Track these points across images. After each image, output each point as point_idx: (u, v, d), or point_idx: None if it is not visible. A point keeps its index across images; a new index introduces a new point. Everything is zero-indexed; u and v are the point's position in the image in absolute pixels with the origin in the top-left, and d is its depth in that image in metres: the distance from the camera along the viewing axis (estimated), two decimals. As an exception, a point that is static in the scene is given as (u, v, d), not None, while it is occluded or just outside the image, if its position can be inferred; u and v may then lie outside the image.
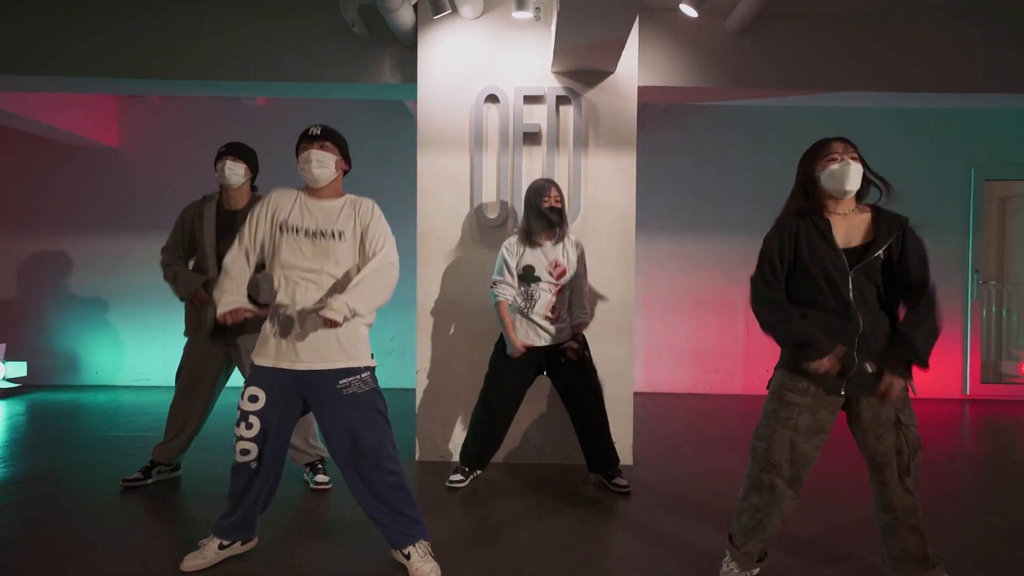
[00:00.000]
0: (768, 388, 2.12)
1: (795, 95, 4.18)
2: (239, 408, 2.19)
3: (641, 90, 3.90)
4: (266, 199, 2.31)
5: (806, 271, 2.01)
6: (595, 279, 3.64)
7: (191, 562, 2.22)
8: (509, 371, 3.13)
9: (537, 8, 3.55)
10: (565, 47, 3.31)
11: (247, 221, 2.28)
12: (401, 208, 5.67)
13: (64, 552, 2.44)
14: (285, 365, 2.17)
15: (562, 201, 3.17)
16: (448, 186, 3.70)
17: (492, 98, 3.68)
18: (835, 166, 2.02)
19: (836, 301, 1.98)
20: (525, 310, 3.10)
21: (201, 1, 3.94)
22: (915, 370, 1.95)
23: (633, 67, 3.67)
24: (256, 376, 2.19)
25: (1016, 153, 5.66)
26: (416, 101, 3.82)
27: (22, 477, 3.33)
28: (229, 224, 3.00)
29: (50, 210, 5.92)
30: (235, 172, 3.03)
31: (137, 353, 5.94)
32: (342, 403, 2.17)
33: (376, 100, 5.73)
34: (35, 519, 2.76)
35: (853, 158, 2.04)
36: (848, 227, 2.06)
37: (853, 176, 2.02)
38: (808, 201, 2.07)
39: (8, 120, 4.99)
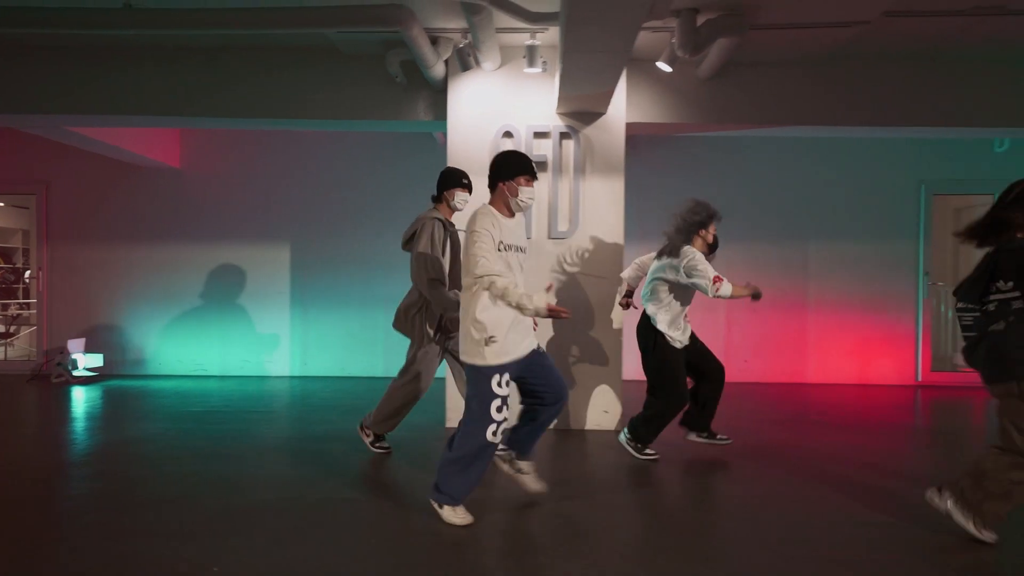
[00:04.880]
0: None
1: (759, 128, 5.03)
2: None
3: (629, 126, 4.76)
4: (482, 219, 2.75)
5: None
6: (588, 281, 4.50)
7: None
8: (679, 360, 3.66)
9: (544, 62, 4.41)
10: (567, 95, 4.17)
11: (486, 240, 2.68)
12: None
13: (139, 504, 3.30)
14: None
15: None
16: (471, 204, 4.55)
17: (508, 134, 4.55)
18: None
19: None
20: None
21: (268, 53, 4.83)
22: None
23: (621, 108, 4.53)
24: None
25: (961, 172, 6.48)
26: (442, 133, 4.69)
27: (104, 444, 4.22)
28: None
29: (120, 222, 6.83)
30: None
31: (196, 347, 6.82)
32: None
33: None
34: (114, 474, 3.64)
35: None
36: None
37: None
38: None
39: (85, 143, 5.88)
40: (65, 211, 6.84)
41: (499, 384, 2.73)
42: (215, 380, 6.52)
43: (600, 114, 4.51)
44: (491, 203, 2.85)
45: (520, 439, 3.04)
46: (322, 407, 5.29)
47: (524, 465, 3.07)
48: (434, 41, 4.33)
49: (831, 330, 6.53)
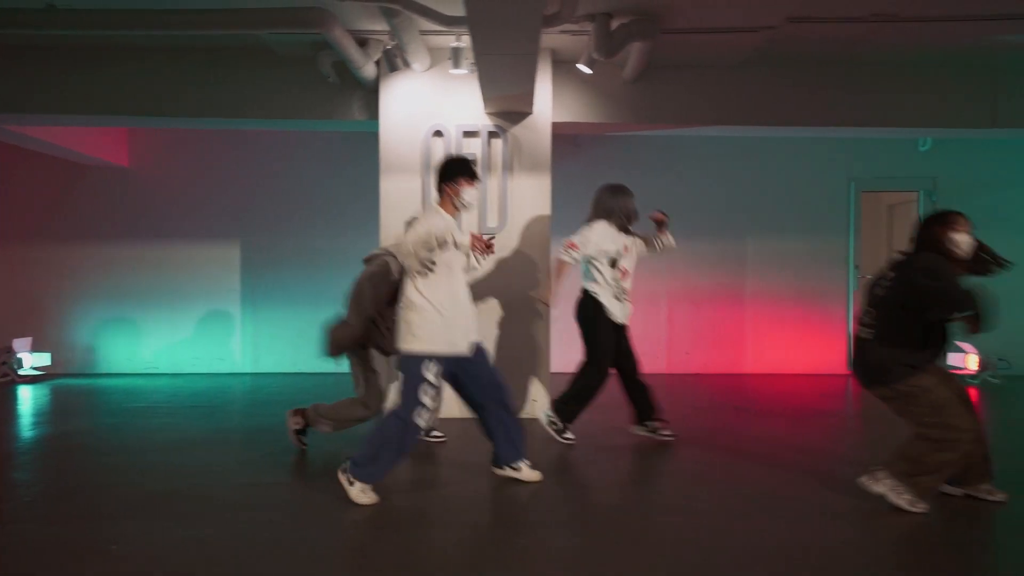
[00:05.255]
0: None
1: (684, 128, 5.22)
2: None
3: (556, 125, 4.92)
4: (431, 215, 3.02)
5: None
6: (517, 274, 4.67)
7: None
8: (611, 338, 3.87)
9: (472, 63, 4.55)
10: (489, 96, 4.33)
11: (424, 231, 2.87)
12: (370, 217, 6.68)
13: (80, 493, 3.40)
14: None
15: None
16: (404, 202, 4.70)
17: (438, 133, 4.69)
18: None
19: None
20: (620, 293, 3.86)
21: (205, 54, 4.91)
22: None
23: (548, 109, 4.70)
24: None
25: (888, 170, 6.76)
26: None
27: (37, 439, 4.28)
28: None
29: (68, 221, 6.83)
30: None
31: (146, 345, 6.86)
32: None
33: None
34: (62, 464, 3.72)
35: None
36: None
37: None
38: None
39: (31, 143, 5.87)
40: (11, 210, 6.83)
41: (428, 371, 2.90)
42: (166, 378, 6.56)
43: (527, 114, 4.67)
44: (440, 203, 3.11)
45: (500, 453, 3.21)
46: (267, 402, 5.38)
47: (516, 464, 3.22)
48: (363, 43, 4.45)
49: (768, 322, 6.77)
